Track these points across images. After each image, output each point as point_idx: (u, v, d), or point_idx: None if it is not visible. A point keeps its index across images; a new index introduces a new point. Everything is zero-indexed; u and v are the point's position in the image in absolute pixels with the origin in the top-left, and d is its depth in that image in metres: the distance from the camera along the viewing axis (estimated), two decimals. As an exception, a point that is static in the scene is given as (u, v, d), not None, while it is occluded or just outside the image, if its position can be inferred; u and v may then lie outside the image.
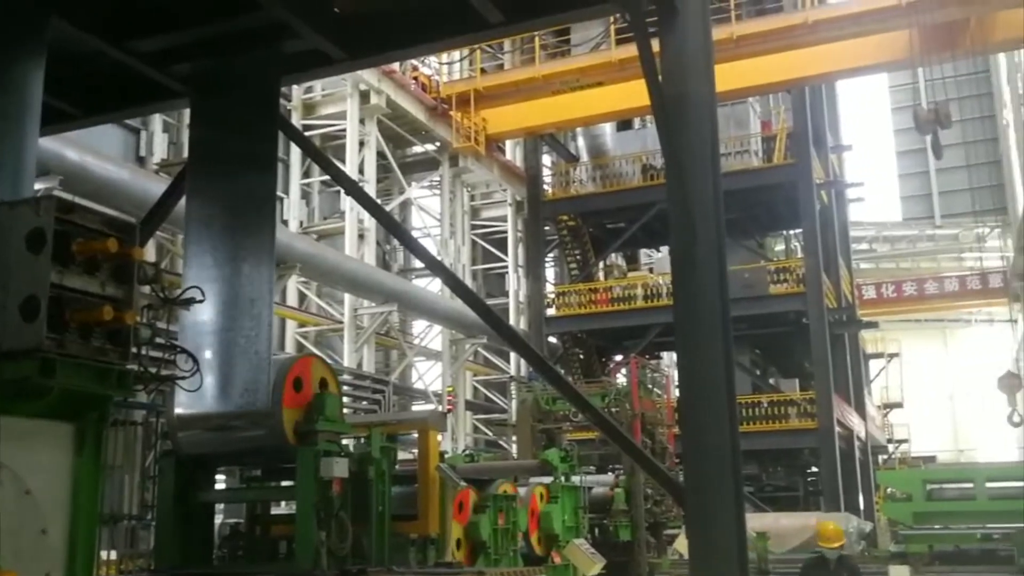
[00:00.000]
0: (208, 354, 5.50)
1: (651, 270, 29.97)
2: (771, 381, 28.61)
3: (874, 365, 38.82)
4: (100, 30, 5.85)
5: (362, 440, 7.92)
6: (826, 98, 28.79)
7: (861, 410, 28.72)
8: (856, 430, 27.07)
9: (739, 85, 21.48)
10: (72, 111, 6.69)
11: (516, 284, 28.18)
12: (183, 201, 6.11)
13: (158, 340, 4.06)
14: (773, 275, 24.79)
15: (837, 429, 23.71)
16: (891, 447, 38.35)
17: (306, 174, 22.32)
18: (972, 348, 50.41)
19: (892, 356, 39.68)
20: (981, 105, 48.40)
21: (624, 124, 28.88)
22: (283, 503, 8.40)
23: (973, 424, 48.84)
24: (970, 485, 14.82)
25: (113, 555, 8.84)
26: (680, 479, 5.41)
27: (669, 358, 35.65)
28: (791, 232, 32.27)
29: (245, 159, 5.85)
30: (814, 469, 26.93)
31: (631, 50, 19.85)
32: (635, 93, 19.69)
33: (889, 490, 16.76)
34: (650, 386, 19.74)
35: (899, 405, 40.18)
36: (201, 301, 4.61)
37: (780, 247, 34.82)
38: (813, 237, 24.67)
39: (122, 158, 15.90)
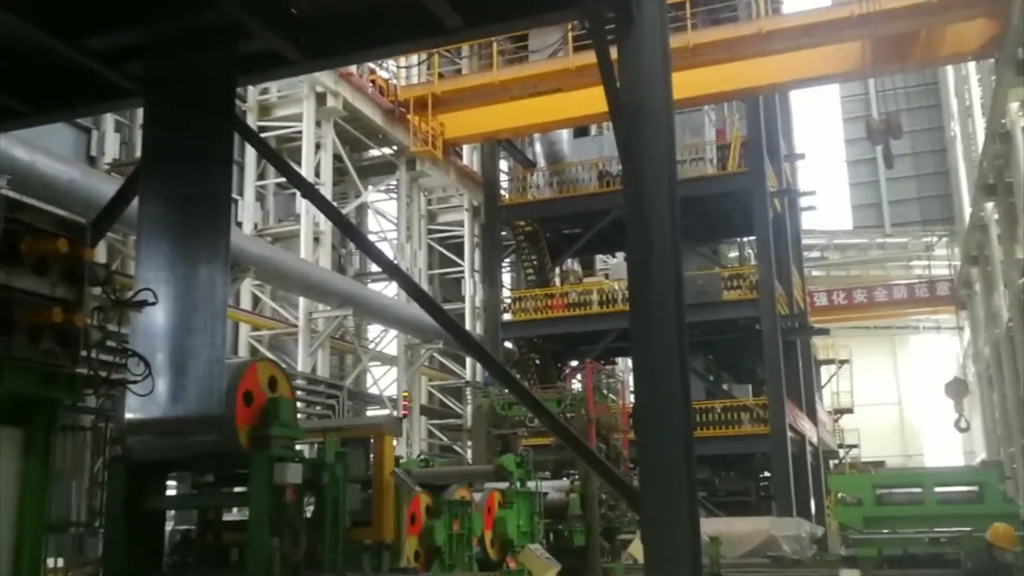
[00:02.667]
0: (160, 358, 5.42)
1: (607, 276, 30.12)
2: (724, 387, 28.92)
3: (825, 371, 39.39)
4: (51, 26, 5.74)
5: (316, 446, 7.85)
6: (780, 107, 29.18)
7: (812, 416, 29.10)
8: (808, 435, 27.42)
9: (695, 93, 21.70)
10: (22, 108, 6.56)
11: (472, 289, 28.16)
12: (135, 202, 6.02)
13: (109, 343, 3.99)
14: (727, 281, 25.06)
15: (789, 434, 24.00)
16: (842, 452, 38.91)
17: (261, 176, 22.11)
18: (920, 355, 51.43)
19: (843, 362, 40.28)
20: (930, 116, 49.45)
21: (581, 131, 29.05)
22: (236, 509, 8.29)
23: (921, 430, 49.82)
24: (919, 490, 15.10)
25: (60, 563, 8.67)
26: (635, 484, 5.44)
27: (624, 364, 35.86)
28: (745, 239, 32.67)
29: (199, 160, 5.78)
30: (766, 474, 27.24)
31: (589, 57, 20.00)
32: (593, 100, 19.83)
33: (840, 495, 17.00)
34: (605, 391, 19.83)
35: (849, 411, 40.80)
36: (153, 303, 4.54)
37: (734, 254, 35.22)
38: (766, 244, 24.98)
39: (73, 157, 15.63)
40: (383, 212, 28.78)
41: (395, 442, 9.78)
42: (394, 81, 24.93)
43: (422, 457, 16.88)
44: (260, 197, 22.43)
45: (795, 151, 32.57)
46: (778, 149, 28.45)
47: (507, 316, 26.80)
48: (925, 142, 49.24)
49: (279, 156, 7.09)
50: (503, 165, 30.94)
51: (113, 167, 16.57)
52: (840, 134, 52.68)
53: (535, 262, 28.03)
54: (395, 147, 25.38)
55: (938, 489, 15.04)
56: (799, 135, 35.39)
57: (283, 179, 19.73)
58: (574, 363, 28.66)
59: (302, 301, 20.62)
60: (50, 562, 7.82)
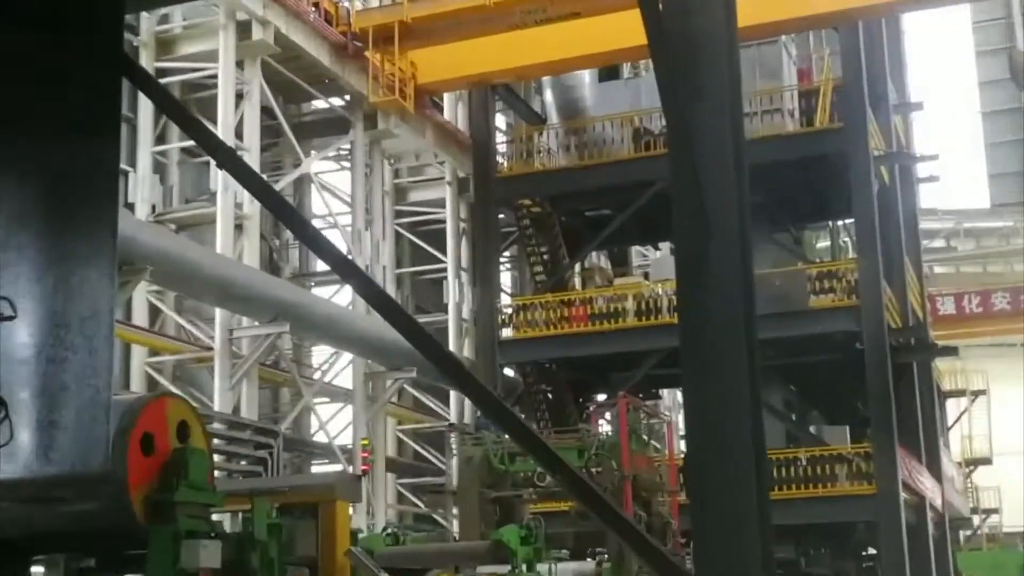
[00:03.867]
0: (22, 394, 5.41)
1: (646, 275, 30.10)
2: (812, 429, 28.87)
3: (953, 406, 39.34)
4: None
5: (240, 516, 7.85)
6: (887, 38, 29.18)
7: (935, 469, 29.05)
8: (929, 496, 27.37)
9: (769, 18, 21.68)
10: None
11: (459, 294, 28.14)
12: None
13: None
14: (815, 282, 25.03)
15: (903, 495, 23.96)
16: (977, 519, 38.87)
17: (160, 139, 22.10)
18: (1086, 383, 51.37)
19: (977, 394, 40.26)
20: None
21: (610, 72, 29.02)
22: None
23: (1088, 488, 49.73)
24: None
25: None
26: (688, 566, 5.44)
27: (672, 398, 35.87)
28: (840, 223, 32.61)
29: (72, 118, 5.77)
30: (871, 551, 27.18)
31: (619, -31, 19.96)
32: (625, 28, 19.78)
33: (975, 579, 17.01)
34: (645, 437, 19.79)
35: (987, 461, 40.75)
36: (11, 318, 4.53)
37: (824, 244, 35.19)
38: (870, 230, 24.96)
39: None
40: (332, 187, 28.76)
41: (352, 509, 9.77)
42: (346, 4, 24.93)
43: (390, 531, 16.82)
44: (160, 168, 22.41)
45: (909, 99, 32.56)
46: (886, 96, 28.44)
47: (507, 332, 26.77)
48: (1091, 85, 49.22)
49: (186, 110, 7.10)
50: (500, 121, 30.91)
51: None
52: (972, 74, 52.70)
53: (546, 257, 28.01)
54: (347, 97, 25.33)
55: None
56: (915, 77, 35.42)
57: (191, 143, 19.70)
58: (601, 397, 28.62)
59: (219, 314, 20.60)
60: None
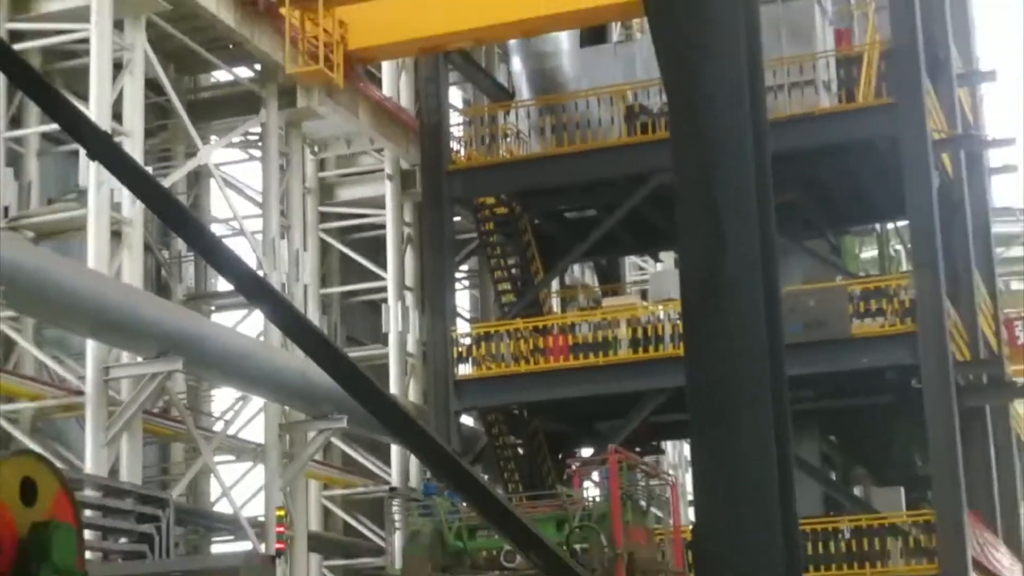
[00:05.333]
0: None
1: (643, 294, 30.18)
2: (857, 492, 28.96)
3: (1036, 462, 39.58)
4: None
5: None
6: (949, -10, 29.43)
7: (1015, 542, 29.15)
8: (1007, 577, 27.49)
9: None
10: None
11: (402, 321, 28.14)
12: None
13: None
14: (859, 303, 25.15)
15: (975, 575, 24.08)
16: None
17: (15, 122, 22.04)
18: None
19: (1068, 445, 40.50)
20: None
21: (594, 35, 29.13)
22: None
23: None
24: None
25: None
26: (699, 671, 5.46)
27: (677, 452, 35.90)
28: (889, 227, 32.80)
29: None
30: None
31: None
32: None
33: None
34: (644, 503, 19.84)
35: (1082, 532, 41.01)
36: None
37: (870, 253, 35.36)
38: (929, 235, 25.09)
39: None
40: (238, 183, 28.70)
41: (263, 601, 9.75)
42: (257, -53, 24.97)
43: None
44: (14, 160, 22.35)
45: (978, 67, 32.78)
46: (948, 65, 28.64)
47: (465, 369, 26.76)
48: None
49: (50, 85, 7.09)
50: (455, 97, 30.93)
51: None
52: (1057, 37, 53.15)
53: (515, 271, 28.05)
54: (258, 67, 25.34)
55: None
56: (983, 40, 35.67)
57: (55, 126, 19.62)
58: (587, 453, 28.64)
59: (91, 348, 20.52)
60: None
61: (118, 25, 21.53)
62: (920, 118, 25.10)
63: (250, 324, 26.56)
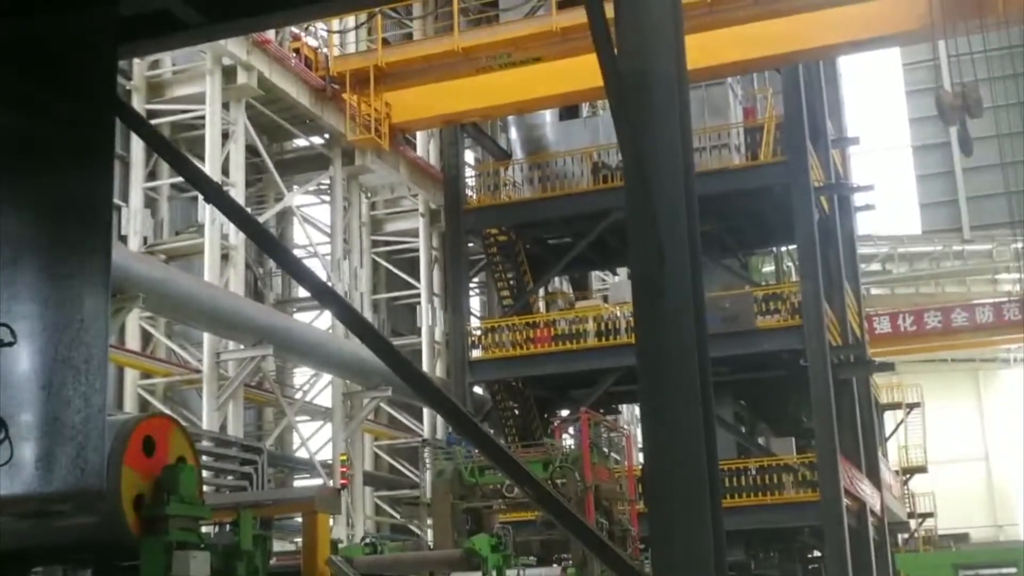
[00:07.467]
0: (22, 416, 5.37)
1: (606, 299, 30.15)
2: (760, 441, 28.96)
3: (890, 418, 39.58)
4: None
5: (228, 527, 7.81)
6: (825, 79, 29.43)
7: (875, 477, 29.18)
8: (869, 502, 27.49)
9: (716, 61, 21.78)
10: None
11: (431, 318, 28.12)
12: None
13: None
14: (761, 304, 25.16)
15: (845, 501, 24.05)
16: (913, 523, 39.03)
17: (152, 175, 22.03)
18: (1013, 395, 51.72)
19: (912, 407, 40.50)
20: (1019, 87, 50.01)
21: (569, 111, 29.14)
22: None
23: (1015, 492, 50.05)
24: (1013, 570, 15.20)
25: None
26: (647, 570, 5.44)
27: (631, 413, 35.88)
28: (783, 249, 32.81)
29: (69, 155, 5.75)
30: (817, 553, 27.23)
31: (578, 15, 20.07)
32: (583, 71, 19.88)
33: (912, 579, 17.09)
34: (606, 450, 19.83)
35: (922, 470, 40.97)
36: (11, 344, 4.50)
37: (770, 268, 35.37)
38: (811, 255, 25.12)
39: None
40: (313, 220, 28.71)
41: (332, 521, 9.73)
42: (325, 50, 24.94)
43: (368, 540, 16.75)
44: (151, 203, 22.33)
45: (846, 134, 32.83)
46: (824, 132, 28.67)
47: (477, 353, 26.75)
48: (1014, 120, 49.76)
49: (175, 148, 7.07)
50: (469, 157, 30.96)
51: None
52: (903, 112, 53.18)
53: (512, 282, 28.04)
54: (327, 136, 25.35)
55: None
56: (851, 114, 35.70)
57: (180, 179, 19.65)
58: (565, 413, 28.63)
59: (207, 338, 20.52)
60: None
61: (225, 106, 21.61)
62: (805, 171, 25.18)
63: (321, 321, 26.53)
